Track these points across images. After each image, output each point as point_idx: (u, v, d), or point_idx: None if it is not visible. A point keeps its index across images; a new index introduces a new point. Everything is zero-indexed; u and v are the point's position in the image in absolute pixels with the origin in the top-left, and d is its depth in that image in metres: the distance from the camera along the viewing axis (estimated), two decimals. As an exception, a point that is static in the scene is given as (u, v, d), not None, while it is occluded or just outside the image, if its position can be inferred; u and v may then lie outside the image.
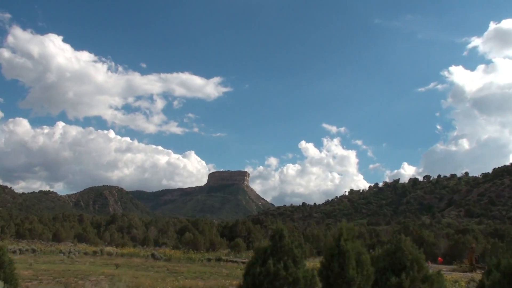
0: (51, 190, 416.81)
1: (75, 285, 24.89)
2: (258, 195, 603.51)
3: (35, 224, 76.48)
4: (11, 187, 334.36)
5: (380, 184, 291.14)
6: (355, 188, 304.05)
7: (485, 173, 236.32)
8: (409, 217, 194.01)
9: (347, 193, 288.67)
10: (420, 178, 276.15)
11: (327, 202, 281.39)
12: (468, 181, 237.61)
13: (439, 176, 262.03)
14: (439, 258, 57.60)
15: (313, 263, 52.50)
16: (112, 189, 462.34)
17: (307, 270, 11.68)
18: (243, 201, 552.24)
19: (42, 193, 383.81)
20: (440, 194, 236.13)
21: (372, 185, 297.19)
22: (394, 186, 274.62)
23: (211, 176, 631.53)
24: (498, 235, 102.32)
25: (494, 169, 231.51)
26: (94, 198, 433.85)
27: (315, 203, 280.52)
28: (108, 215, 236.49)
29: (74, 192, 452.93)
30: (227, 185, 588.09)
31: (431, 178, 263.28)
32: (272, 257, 11.48)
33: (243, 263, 49.12)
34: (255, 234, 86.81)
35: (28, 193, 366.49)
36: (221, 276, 34.45)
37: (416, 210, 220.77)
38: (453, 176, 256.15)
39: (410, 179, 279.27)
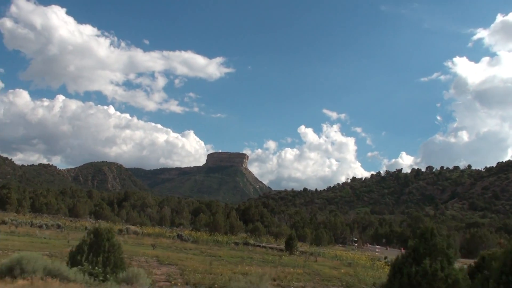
0: (50, 163, 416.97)
1: (131, 266, 24.33)
2: (256, 178, 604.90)
3: (50, 199, 75.86)
4: (11, 159, 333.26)
5: (382, 173, 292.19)
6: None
7: (489, 167, 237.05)
8: (412, 208, 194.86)
9: (349, 181, 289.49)
10: (420, 168, 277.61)
11: (329, 189, 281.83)
12: (471, 174, 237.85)
13: (441, 167, 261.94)
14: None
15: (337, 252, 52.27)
16: (111, 166, 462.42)
17: (458, 270, 11.09)
18: (241, 183, 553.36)
19: (42, 166, 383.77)
20: (443, 186, 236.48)
21: (374, 173, 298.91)
22: (396, 175, 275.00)
23: (210, 156, 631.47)
24: (508, 229, 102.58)
25: (498, 163, 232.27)
26: (93, 174, 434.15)
27: (316, 189, 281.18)
28: (107, 191, 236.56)
29: (72, 166, 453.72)
30: (225, 167, 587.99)
31: (433, 170, 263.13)
32: (426, 256, 10.85)
33: (271, 248, 48.96)
34: (268, 218, 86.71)
35: (28, 165, 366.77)
36: (262, 262, 33.85)
37: (419, 201, 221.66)
38: (455, 168, 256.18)
39: (413, 169, 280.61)
